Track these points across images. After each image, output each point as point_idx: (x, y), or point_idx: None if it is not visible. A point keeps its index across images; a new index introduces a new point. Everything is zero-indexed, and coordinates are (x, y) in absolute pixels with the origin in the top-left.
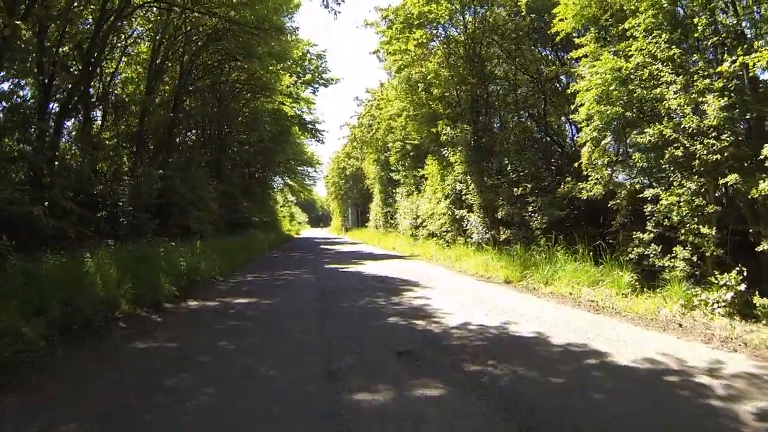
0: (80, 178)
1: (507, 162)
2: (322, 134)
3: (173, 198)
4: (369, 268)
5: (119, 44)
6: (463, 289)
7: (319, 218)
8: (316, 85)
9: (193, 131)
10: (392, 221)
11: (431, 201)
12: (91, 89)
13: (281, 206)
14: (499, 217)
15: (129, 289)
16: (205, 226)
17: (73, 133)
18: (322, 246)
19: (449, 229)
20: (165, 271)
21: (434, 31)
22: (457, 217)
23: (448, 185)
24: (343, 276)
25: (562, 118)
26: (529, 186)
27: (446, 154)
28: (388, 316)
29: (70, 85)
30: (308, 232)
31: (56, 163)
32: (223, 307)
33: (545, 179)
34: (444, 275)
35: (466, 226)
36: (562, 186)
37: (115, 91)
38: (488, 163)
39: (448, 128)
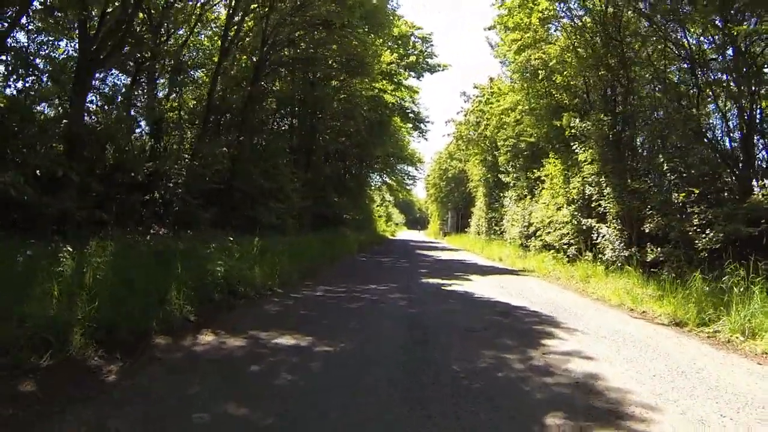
0: (118, 149)
1: (662, 160)
2: (425, 126)
3: (243, 185)
4: (478, 287)
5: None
6: (630, 337)
7: (417, 220)
8: (420, 71)
9: (280, 113)
10: (497, 228)
11: (549, 207)
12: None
13: (378, 205)
14: (646, 230)
15: (92, 311)
16: (285, 220)
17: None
18: (418, 251)
19: (572, 241)
20: (181, 281)
21: (560, 5)
22: (584, 227)
23: (574, 189)
24: (446, 299)
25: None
26: (696, 192)
27: (575, 151)
28: (543, 412)
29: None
30: (405, 233)
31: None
32: (247, 354)
33: (723, 183)
34: (582, 306)
35: (596, 239)
36: (756, 194)
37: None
38: (631, 162)
39: (576, 120)
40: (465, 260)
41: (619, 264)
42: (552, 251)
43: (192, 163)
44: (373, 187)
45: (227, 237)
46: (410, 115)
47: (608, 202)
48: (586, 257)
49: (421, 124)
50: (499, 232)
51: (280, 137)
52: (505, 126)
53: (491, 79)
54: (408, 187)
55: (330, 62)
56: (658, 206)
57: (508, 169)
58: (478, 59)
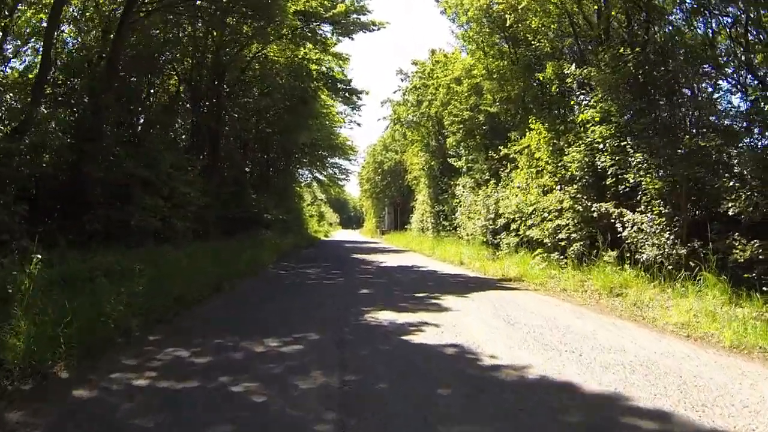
0: None
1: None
2: (359, 98)
3: (97, 172)
4: (476, 330)
5: None
6: None
7: (351, 219)
8: (350, 29)
9: (164, 74)
10: (447, 223)
11: (529, 191)
12: None
13: (308, 204)
14: (728, 212)
15: None
16: (173, 223)
17: None
18: (356, 255)
19: (576, 235)
20: None
21: None
22: (595, 214)
23: (573, 162)
24: (426, 383)
25: None
26: None
27: (571, 110)
28: None
29: None
30: (340, 233)
31: None
32: None
33: None
34: (677, 370)
35: (623, 231)
36: None
37: None
38: (677, 111)
39: (572, 67)
40: (418, 266)
41: (669, 267)
42: (539, 250)
43: None
44: (302, 184)
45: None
46: (340, 86)
47: (641, 176)
48: (606, 257)
49: (354, 97)
50: (450, 228)
51: (165, 110)
52: (455, 99)
53: (433, 52)
54: (341, 183)
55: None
56: (753, 171)
57: (459, 151)
58: (418, 30)
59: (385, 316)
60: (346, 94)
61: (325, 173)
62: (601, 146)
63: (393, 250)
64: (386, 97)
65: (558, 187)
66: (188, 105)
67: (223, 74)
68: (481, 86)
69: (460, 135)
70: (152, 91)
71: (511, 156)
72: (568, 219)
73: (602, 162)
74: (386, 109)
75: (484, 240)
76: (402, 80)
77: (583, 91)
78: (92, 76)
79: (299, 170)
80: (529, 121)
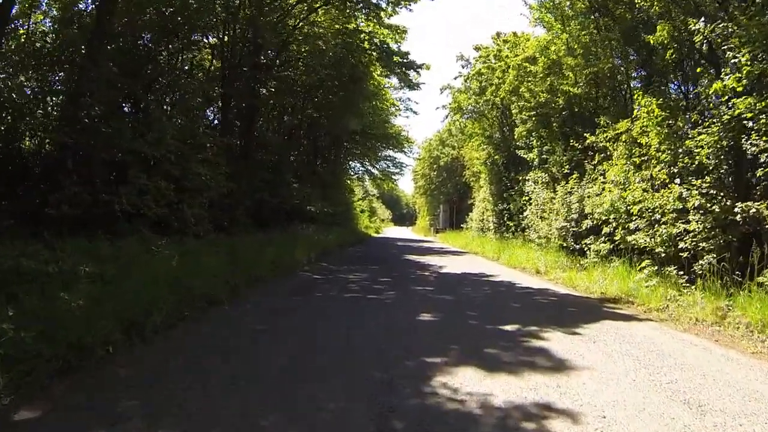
0: None
1: None
2: (417, 73)
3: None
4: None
5: None
6: None
7: (404, 216)
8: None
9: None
10: (511, 223)
11: (631, 186)
12: None
13: (359, 198)
14: None
15: None
16: (183, 211)
17: None
18: (408, 255)
19: (709, 244)
20: None
21: None
22: (738, 218)
23: (703, 147)
24: None
25: None
26: None
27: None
28: None
29: None
30: (391, 230)
31: None
32: None
33: None
34: None
35: None
36: None
37: None
38: None
39: (701, 22)
40: (487, 275)
41: None
42: (646, 261)
43: None
44: (353, 177)
45: None
46: (395, 59)
47: None
48: (763, 278)
49: (412, 72)
50: (515, 229)
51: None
52: (527, 81)
53: (498, 34)
54: (394, 177)
55: None
56: None
57: (530, 142)
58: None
59: (469, 383)
60: (403, 69)
61: (377, 166)
62: (750, 123)
63: (451, 251)
64: (446, 83)
65: (676, 181)
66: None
67: (260, 45)
68: (561, 64)
69: (532, 123)
70: (175, 61)
71: (601, 145)
72: (695, 223)
73: (751, 146)
74: (446, 97)
75: (563, 244)
76: (463, 67)
77: (720, 53)
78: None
79: (350, 162)
80: (635, 97)
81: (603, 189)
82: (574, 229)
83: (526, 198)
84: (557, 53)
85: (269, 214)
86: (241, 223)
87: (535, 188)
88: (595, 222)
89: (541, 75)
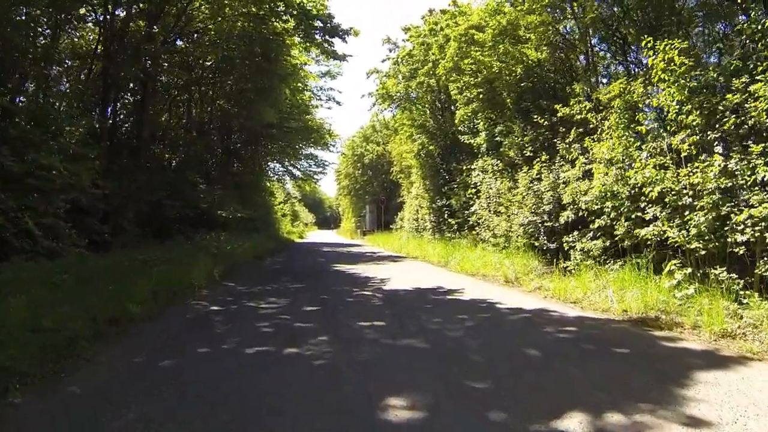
0: None
1: None
2: (344, 40)
3: None
4: None
5: None
6: None
7: (327, 219)
8: None
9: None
10: (456, 221)
11: (636, 163)
12: None
13: (280, 202)
14: None
15: None
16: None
17: None
18: (338, 265)
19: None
20: None
21: None
22: None
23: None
24: None
25: None
26: None
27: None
28: None
29: None
30: (315, 234)
31: None
32: None
33: None
34: None
35: None
36: None
37: None
38: None
39: None
40: (446, 289)
41: None
42: (674, 262)
43: None
44: (272, 178)
45: None
46: (315, 24)
47: None
48: None
49: (337, 40)
50: (459, 228)
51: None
52: (474, 52)
53: (431, 11)
54: (317, 177)
55: None
56: None
57: (475, 125)
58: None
59: None
60: (326, 37)
61: (299, 166)
62: None
63: (386, 256)
64: (372, 67)
65: (717, 149)
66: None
67: (152, 13)
68: (517, 26)
69: (478, 103)
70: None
71: (578, 117)
72: (762, 206)
73: None
74: (372, 83)
75: (532, 243)
76: (390, 50)
77: None
78: None
79: (270, 163)
80: (643, 44)
81: (589, 171)
82: (548, 224)
83: (473, 191)
84: (515, 11)
85: (168, 222)
86: (129, 233)
87: (484, 178)
88: (579, 214)
89: (490, 43)
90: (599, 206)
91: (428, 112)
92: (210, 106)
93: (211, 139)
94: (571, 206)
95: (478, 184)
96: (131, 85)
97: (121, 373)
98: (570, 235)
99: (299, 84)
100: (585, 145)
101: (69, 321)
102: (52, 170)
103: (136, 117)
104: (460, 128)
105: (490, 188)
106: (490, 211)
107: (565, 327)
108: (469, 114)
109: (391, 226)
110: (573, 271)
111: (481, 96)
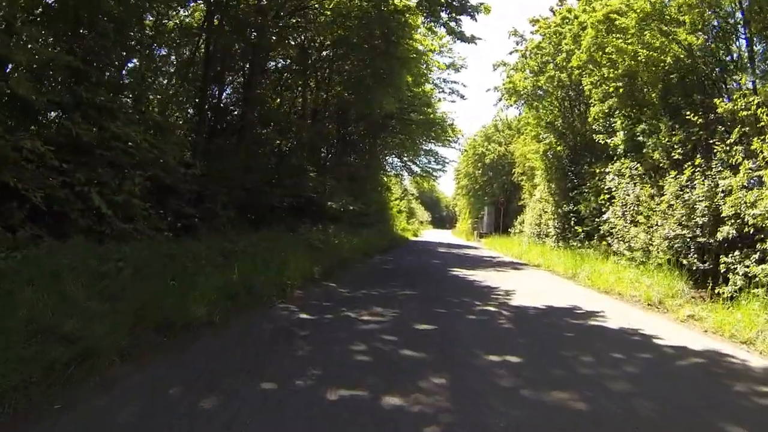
0: None
1: None
2: (473, 17)
3: None
4: None
5: None
6: None
7: (443, 219)
8: None
9: None
10: (584, 229)
11: None
12: None
13: (396, 198)
14: None
15: None
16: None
17: None
18: (454, 269)
19: None
20: None
21: None
22: None
23: None
24: None
25: None
26: None
27: None
28: None
29: None
30: (430, 233)
31: None
32: None
33: None
34: None
35: None
36: None
37: None
38: None
39: None
40: (593, 314)
41: None
42: None
43: None
44: (389, 173)
45: None
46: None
47: None
48: None
49: (465, 17)
50: (586, 237)
51: None
52: (613, 41)
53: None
54: (436, 174)
55: None
56: None
57: (612, 123)
58: None
59: None
60: (453, 15)
61: (418, 162)
62: None
63: (506, 262)
64: (499, 59)
65: None
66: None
67: None
68: (667, 7)
69: (617, 98)
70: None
71: (743, 114)
72: None
73: None
74: (499, 76)
75: (680, 261)
76: (517, 43)
77: None
78: None
79: (387, 157)
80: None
81: (758, 179)
82: (700, 239)
83: (605, 197)
84: None
85: (268, 209)
86: (222, 218)
87: (620, 183)
88: (744, 230)
89: (634, 28)
90: None
91: (557, 109)
92: (325, 93)
93: (325, 126)
94: (733, 220)
95: (613, 189)
96: (238, 61)
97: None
98: (730, 255)
99: (421, 70)
100: (752, 147)
101: (96, 324)
102: (128, 142)
103: (243, 96)
104: (594, 127)
105: (628, 194)
106: (626, 220)
107: (760, 386)
108: (605, 111)
109: (509, 230)
110: (732, 299)
111: (620, 90)
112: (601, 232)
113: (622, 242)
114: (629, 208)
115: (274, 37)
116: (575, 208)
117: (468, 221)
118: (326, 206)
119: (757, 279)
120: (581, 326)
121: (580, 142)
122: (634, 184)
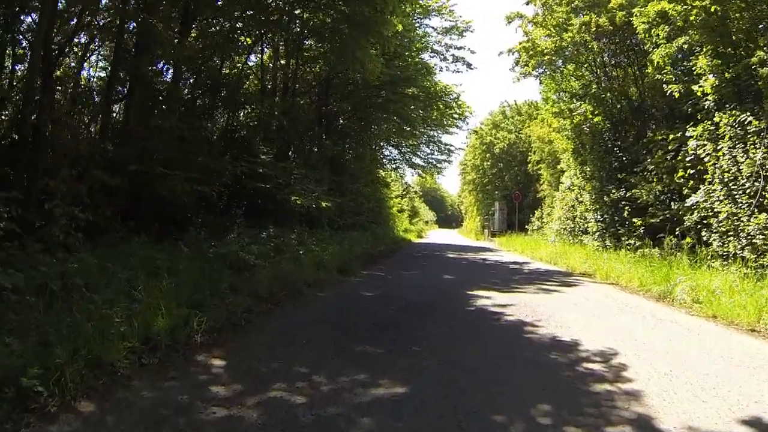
0: None
1: None
2: None
3: None
4: None
5: None
6: None
7: (449, 218)
8: None
9: None
10: (640, 223)
11: None
12: None
13: (397, 196)
14: None
15: None
16: None
17: None
18: (477, 293)
19: None
20: None
21: None
22: None
23: None
24: None
25: None
26: None
27: None
28: None
29: None
30: (435, 234)
31: None
32: None
33: None
34: None
35: None
36: None
37: None
38: None
39: None
40: None
41: None
42: None
43: None
44: (386, 167)
45: None
46: None
47: None
48: None
49: None
50: (649, 232)
51: None
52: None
53: None
54: (440, 166)
55: None
56: None
57: (691, 65)
58: None
59: None
60: None
61: (420, 153)
62: None
63: (543, 271)
64: (513, 11)
65: None
66: None
67: None
68: None
69: (697, 34)
70: None
71: None
72: None
73: None
74: (513, 33)
75: None
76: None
77: None
78: None
79: (383, 149)
80: None
81: None
82: None
83: (684, 173)
84: None
85: (180, 207)
86: (65, 225)
87: (721, 148)
88: None
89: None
90: None
91: (592, 70)
92: (295, 59)
93: (296, 102)
94: None
95: (706, 159)
96: None
97: None
98: None
99: (414, 16)
100: None
101: None
102: None
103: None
104: (662, 75)
105: (736, 165)
106: (735, 205)
107: None
108: (678, 50)
109: (526, 227)
110: None
111: (713, 13)
112: (686, 224)
113: (732, 238)
114: (739, 184)
115: None
116: (628, 194)
117: (476, 219)
118: (290, 202)
119: None
120: None
121: (628, 107)
122: (746, 147)
